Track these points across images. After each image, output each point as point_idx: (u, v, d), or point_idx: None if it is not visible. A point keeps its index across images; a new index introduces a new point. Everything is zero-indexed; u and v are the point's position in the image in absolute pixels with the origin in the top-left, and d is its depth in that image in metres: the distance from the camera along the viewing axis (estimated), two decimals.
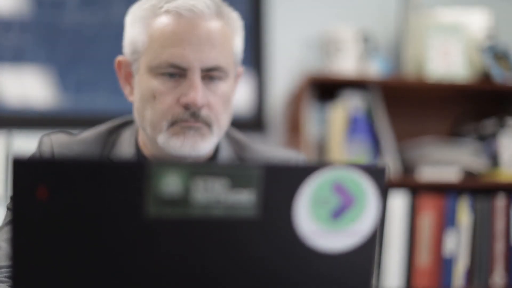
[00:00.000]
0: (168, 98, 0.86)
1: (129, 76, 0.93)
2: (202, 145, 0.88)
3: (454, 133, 2.15)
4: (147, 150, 0.93)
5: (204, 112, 0.87)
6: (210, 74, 0.88)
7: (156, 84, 0.87)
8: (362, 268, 0.53)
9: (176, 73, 0.87)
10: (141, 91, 0.89)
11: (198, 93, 0.85)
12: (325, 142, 1.90)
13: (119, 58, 0.95)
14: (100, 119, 1.21)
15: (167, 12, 0.87)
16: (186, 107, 0.86)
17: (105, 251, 0.48)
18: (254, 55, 1.92)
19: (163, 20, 0.87)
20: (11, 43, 2.00)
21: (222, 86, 0.89)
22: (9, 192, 0.45)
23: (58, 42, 1.99)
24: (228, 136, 0.98)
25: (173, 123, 0.87)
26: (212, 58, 0.87)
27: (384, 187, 0.54)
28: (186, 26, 0.86)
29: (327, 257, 0.52)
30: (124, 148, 0.92)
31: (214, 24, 0.87)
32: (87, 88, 2.00)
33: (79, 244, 0.48)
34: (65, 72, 2.00)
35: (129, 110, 0.99)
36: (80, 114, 1.97)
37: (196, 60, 0.86)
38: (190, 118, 0.86)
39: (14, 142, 1.87)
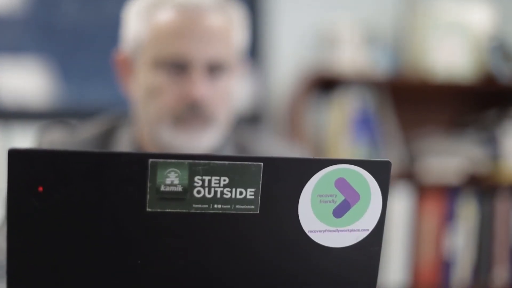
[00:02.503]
0: (172, 93, 0.86)
1: (129, 71, 0.92)
2: (204, 140, 0.88)
3: (456, 126, 2.14)
4: (147, 147, 0.93)
5: (206, 107, 0.87)
6: (212, 69, 0.88)
7: (159, 79, 0.86)
8: (367, 263, 0.52)
9: (179, 67, 0.87)
10: (143, 86, 0.88)
11: (201, 88, 0.85)
12: (326, 138, 1.90)
13: (117, 53, 0.94)
14: (96, 111, 1.20)
15: (170, 6, 0.87)
16: (189, 102, 0.86)
17: (103, 244, 0.47)
18: (254, 49, 1.91)
19: (166, 15, 0.86)
20: (8, 38, 1.99)
21: (224, 81, 0.89)
22: (5, 185, 0.44)
23: (55, 36, 1.98)
24: (232, 128, 0.98)
25: (176, 118, 0.87)
26: (214, 53, 0.86)
27: (388, 182, 0.53)
28: (189, 21, 0.86)
29: (331, 251, 0.52)
30: (124, 148, 0.92)
31: (216, 19, 0.87)
32: (84, 82, 1.99)
33: (77, 238, 0.47)
34: (62, 66, 1.99)
35: (123, 102, 0.98)
36: (78, 107, 1.96)
37: (199, 55, 0.85)
38: (193, 113, 0.86)
39: (12, 135, 1.87)
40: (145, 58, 0.89)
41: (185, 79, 0.87)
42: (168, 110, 0.88)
